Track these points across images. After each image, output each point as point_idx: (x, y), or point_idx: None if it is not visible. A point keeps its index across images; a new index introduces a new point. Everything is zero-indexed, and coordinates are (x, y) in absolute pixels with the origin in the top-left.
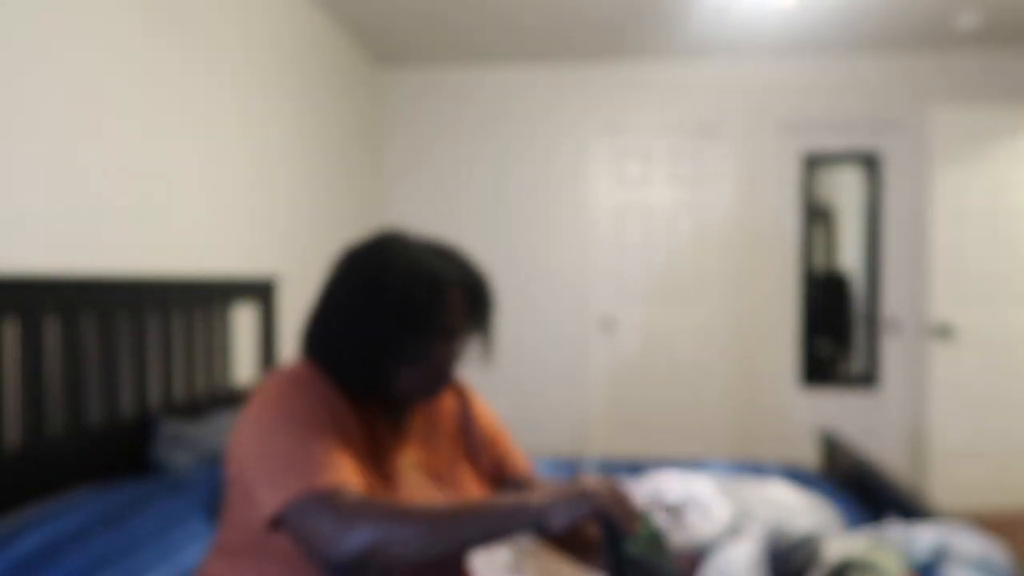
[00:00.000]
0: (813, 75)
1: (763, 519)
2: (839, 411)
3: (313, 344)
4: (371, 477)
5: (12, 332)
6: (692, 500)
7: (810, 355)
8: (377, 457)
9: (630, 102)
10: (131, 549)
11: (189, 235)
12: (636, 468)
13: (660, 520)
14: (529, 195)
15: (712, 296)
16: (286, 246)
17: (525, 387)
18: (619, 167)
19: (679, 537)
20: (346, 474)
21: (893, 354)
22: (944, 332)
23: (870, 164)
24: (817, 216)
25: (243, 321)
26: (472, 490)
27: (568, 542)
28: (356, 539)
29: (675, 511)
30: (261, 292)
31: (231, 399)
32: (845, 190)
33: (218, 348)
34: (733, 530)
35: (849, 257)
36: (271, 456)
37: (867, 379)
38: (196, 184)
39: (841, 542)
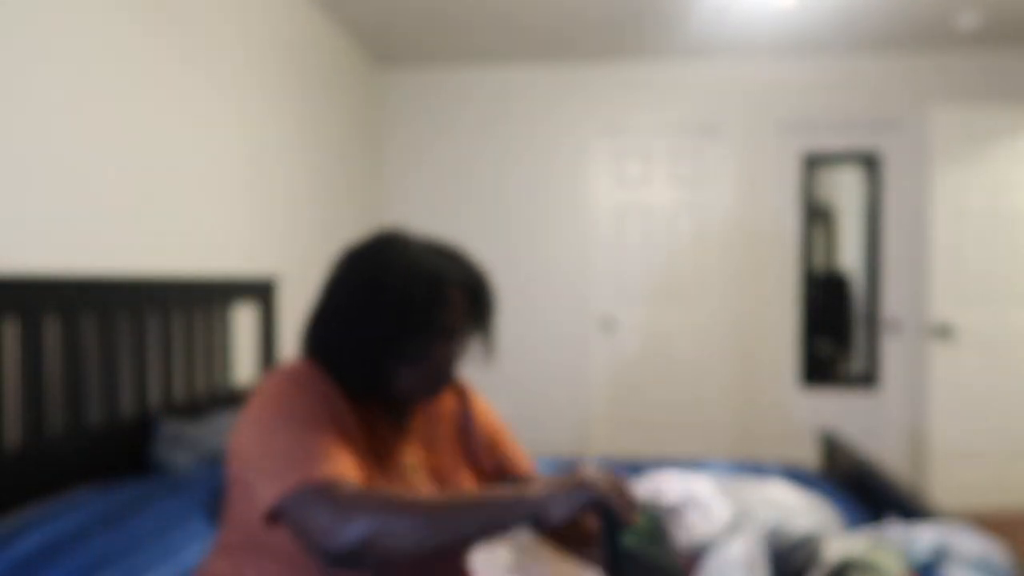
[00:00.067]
0: (813, 75)
1: (763, 519)
2: (839, 411)
3: (313, 344)
4: (374, 476)
5: (12, 332)
6: (692, 500)
7: (810, 355)
8: (378, 457)
9: (630, 102)
10: (131, 549)
11: (189, 235)
12: (636, 468)
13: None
14: (529, 195)
15: (712, 296)
16: (286, 246)
17: (525, 387)
18: (619, 167)
19: (679, 537)
20: (344, 467)
21: (893, 354)
22: (944, 332)
23: (870, 164)
24: (817, 216)
25: (243, 321)
26: (473, 490)
27: (568, 536)
28: (353, 530)
29: (675, 511)
30: (261, 292)
31: (231, 399)
32: (845, 190)
33: (218, 348)
34: (733, 529)
35: (849, 257)
36: (269, 452)
37: (867, 379)
38: (196, 184)
39: (841, 542)
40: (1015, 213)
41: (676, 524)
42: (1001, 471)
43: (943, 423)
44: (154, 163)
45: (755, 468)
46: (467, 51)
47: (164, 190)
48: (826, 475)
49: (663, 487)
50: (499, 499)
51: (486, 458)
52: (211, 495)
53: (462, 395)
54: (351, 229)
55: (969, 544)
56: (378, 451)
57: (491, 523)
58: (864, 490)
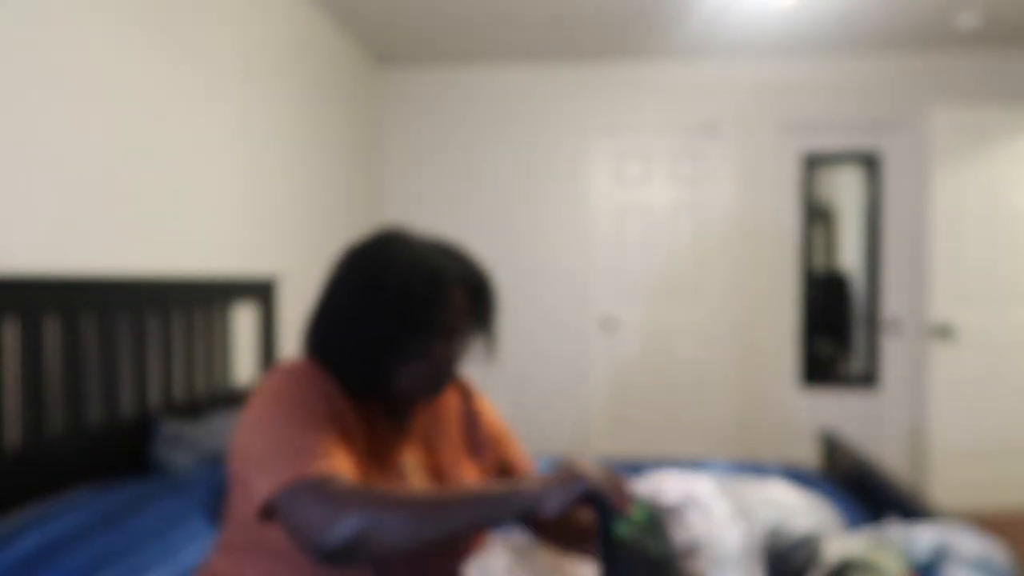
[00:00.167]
0: (813, 75)
1: (763, 519)
2: (839, 411)
3: (314, 343)
4: (373, 474)
5: (12, 332)
6: (692, 500)
7: (810, 355)
8: (377, 456)
9: (630, 102)
10: (131, 549)
11: (189, 235)
12: (636, 468)
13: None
14: (529, 195)
15: (712, 296)
16: (286, 246)
17: (525, 386)
18: (619, 167)
19: (679, 537)
20: (339, 464)
21: (893, 354)
22: (944, 332)
23: (870, 164)
24: (817, 216)
25: (243, 321)
26: (471, 485)
27: (567, 537)
28: (345, 526)
29: (675, 511)
30: (261, 292)
31: (231, 399)
32: (845, 190)
33: (218, 348)
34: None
35: (849, 257)
36: (267, 449)
37: (867, 379)
38: (196, 184)
39: (841, 542)
40: (1015, 213)
41: (676, 524)
42: (1001, 471)
43: (943, 423)
44: (154, 163)
45: (755, 468)
46: (467, 51)
47: (164, 190)
48: (826, 475)
49: (663, 487)
50: (493, 493)
51: (489, 457)
52: (211, 495)
53: (465, 393)
54: (351, 229)
55: (969, 544)
56: (378, 450)
57: (486, 517)
58: (864, 490)
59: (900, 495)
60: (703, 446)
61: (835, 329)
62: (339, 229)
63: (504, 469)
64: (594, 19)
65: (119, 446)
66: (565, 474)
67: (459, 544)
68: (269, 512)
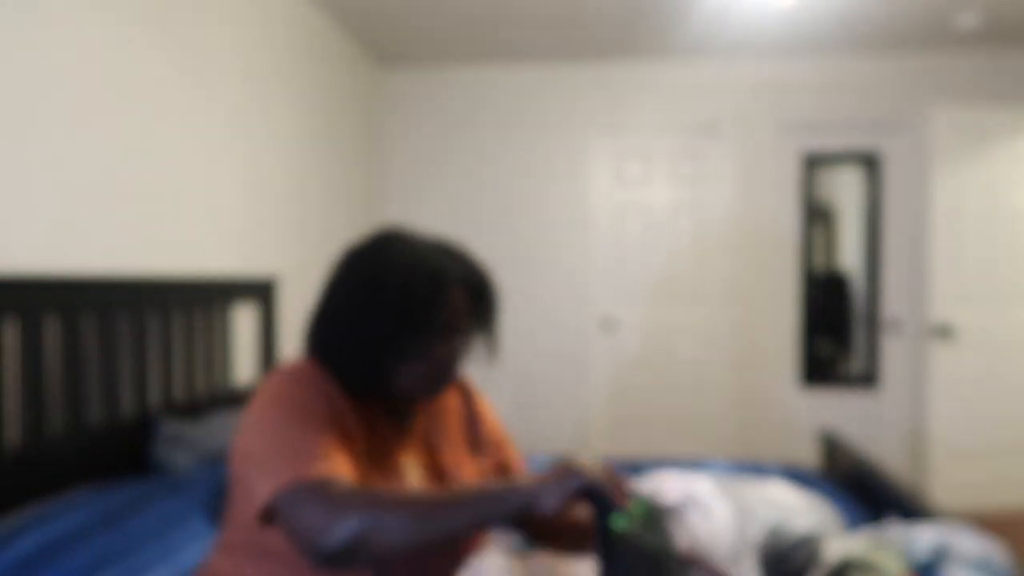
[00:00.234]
0: (813, 75)
1: (763, 519)
2: (839, 411)
3: (315, 343)
4: (372, 475)
5: (12, 332)
6: (692, 500)
7: (810, 355)
8: (379, 456)
9: (630, 102)
10: (131, 549)
11: (189, 235)
12: (636, 468)
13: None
14: (529, 195)
15: (712, 296)
16: (286, 246)
17: (526, 386)
18: (619, 167)
19: (679, 536)
20: (339, 466)
21: (893, 354)
22: (944, 332)
23: (870, 164)
24: (817, 216)
25: (243, 321)
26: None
27: (559, 536)
28: (344, 528)
29: (675, 511)
30: (261, 292)
31: (231, 399)
32: (845, 190)
33: (218, 348)
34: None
35: (849, 257)
36: (267, 450)
37: (867, 379)
38: (196, 184)
39: (841, 542)
40: (1015, 213)
41: (676, 524)
42: (1001, 471)
43: (943, 423)
44: (154, 163)
45: (755, 468)
46: (467, 51)
47: (164, 190)
48: (826, 475)
49: (663, 487)
50: (491, 491)
51: (490, 458)
52: (211, 495)
53: (466, 394)
54: (351, 229)
55: (969, 544)
56: (378, 451)
57: (484, 515)
58: (864, 490)
59: (900, 495)
60: (703, 446)
61: (835, 329)
62: (339, 229)
63: (503, 472)
64: (594, 19)
65: (119, 446)
66: (562, 470)
67: (458, 544)
68: (270, 515)
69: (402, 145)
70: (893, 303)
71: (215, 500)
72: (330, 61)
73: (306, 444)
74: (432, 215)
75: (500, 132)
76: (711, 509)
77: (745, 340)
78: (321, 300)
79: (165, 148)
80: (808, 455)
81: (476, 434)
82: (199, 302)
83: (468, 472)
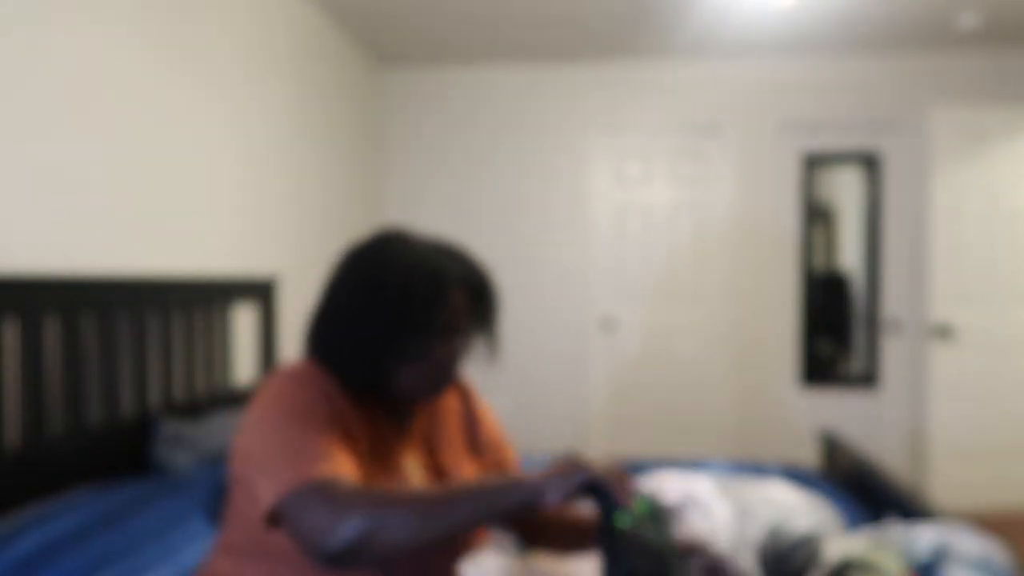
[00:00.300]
0: (813, 75)
1: (763, 519)
2: (839, 411)
3: (315, 344)
4: (374, 475)
5: (12, 332)
6: (692, 500)
7: (810, 355)
8: (379, 456)
9: (630, 102)
10: (131, 549)
11: (189, 235)
12: (636, 468)
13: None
14: (529, 195)
15: (712, 296)
16: (286, 246)
17: (526, 386)
18: (619, 167)
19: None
20: (341, 466)
21: (893, 354)
22: (944, 332)
23: (870, 164)
24: (817, 216)
25: (243, 321)
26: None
27: (555, 537)
28: (349, 528)
29: (675, 511)
30: (261, 292)
31: (231, 399)
32: (845, 190)
33: (218, 348)
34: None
35: (849, 257)
36: (269, 452)
37: (867, 379)
38: (196, 184)
39: (841, 542)
40: (1015, 213)
41: (677, 524)
42: (1001, 471)
43: (943, 423)
44: (154, 163)
45: (755, 468)
46: (467, 51)
47: (163, 190)
48: (826, 475)
49: (663, 487)
50: (495, 486)
51: (490, 458)
52: (211, 495)
53: (465, 395)
54: (351, 229)
55: (969, 544)
56: (379, 451)
57: (488, 510)
58: (864, 490)
59: (900, 495)
60: (703, 446)
61: (835, 329)
62: (339, 229)
63: (502, 472)
64: (594, 19)
65: (119, 446)
66: (567, 465)
67: (457, 541)
68: (274, 518)
69: (402, 145)
70: (893, 303)
71: (215, 500)
72: (330, 61)
73: (309, 445)
74: (432, 215)
75: (500, 132)
76: (711, 509)
77: (745, 340)
78: (321, 300)
79: (165, 148)
80: (808, 455)
81: (475, 435)
82: (199, 302)
83: (468, 472)
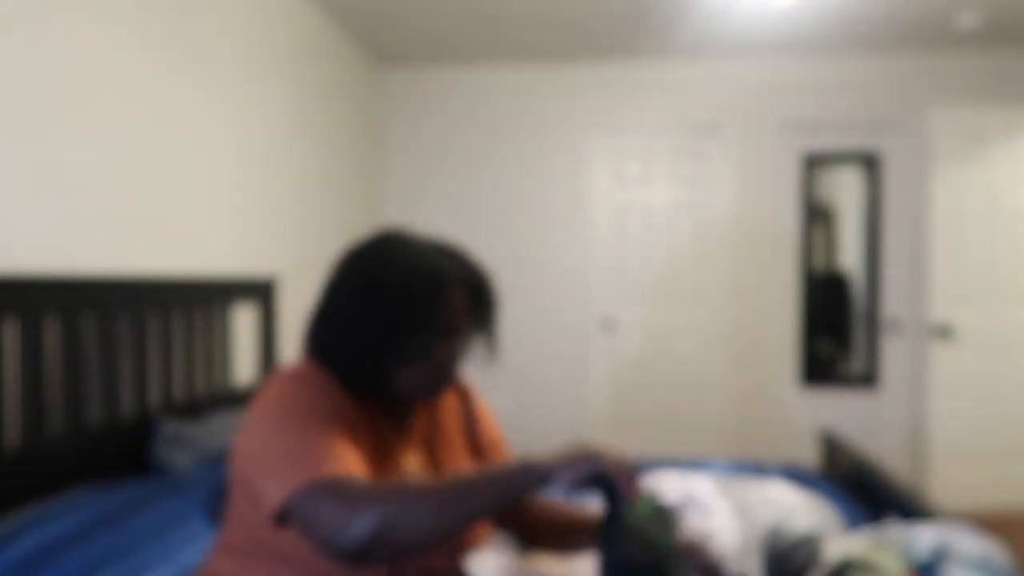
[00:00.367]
0: (813, 75)
1: (763, 519)
2: (839, 411)
3: (315, 344)
4: (375, 475)
5: (12, 332)
6: (692, 500)
7: (810, 355)
8: (381, 458)
9: (630, 102)
10: (131, 549)
11: (189, 235)
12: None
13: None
14: (529, 195)
15: (712, 296)
16: (286, 246)
17: (525, 386)
18: (619, 167)
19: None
20: (350, 464)
21: (893, 354)
22: (944, 332)
23: (870, 164)
24: (817, 216)
25: (243, 321)
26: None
27: (553, 537)
28: (364, 524)
29: (675, 511)
30: (261, 292)
31: (231, 399)
32: (845, 190)
33: (218, 348)
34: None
35: (849, 257)
36: (274, 453)
37: (867, 379)
38: (196, 184)
39: (841, 542)
40: (1015, 213)
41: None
42: (1001, 471)
43: (943, 423)
44: (154, 163)
45: (755, 468)
46: (467, 51)
47: (163, 190)
48: (826, 475)
49: (663, 487)
50: (506, 471)
51: (490, 459)
52: (211, 495)
53: (464, 395)
54: (351, 229)
55: (969, 544)
56: (379, 452)
57: (502, 495)
58: (864, 490)
59: (900, 495)
60: (703, 446)
61: (835, 329)
62: (339, 229)
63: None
64: (594, 19)
65: (119, 446)
66: (580, 452)
67: (460, 538)
68: (283, 517)
69: (401, 145)
70: (893, 303)
71: (215, 500)
72: (329, 61)
73: (316, 444)
74: (432, 215)
75: (500, 132)
76: (711, 509)
77: (745, 340)
78: (321, 301)
79: (165, 148)
80: (808, 455)
81: (474, 435)
82: (199, 302)
83: (469, 470)
